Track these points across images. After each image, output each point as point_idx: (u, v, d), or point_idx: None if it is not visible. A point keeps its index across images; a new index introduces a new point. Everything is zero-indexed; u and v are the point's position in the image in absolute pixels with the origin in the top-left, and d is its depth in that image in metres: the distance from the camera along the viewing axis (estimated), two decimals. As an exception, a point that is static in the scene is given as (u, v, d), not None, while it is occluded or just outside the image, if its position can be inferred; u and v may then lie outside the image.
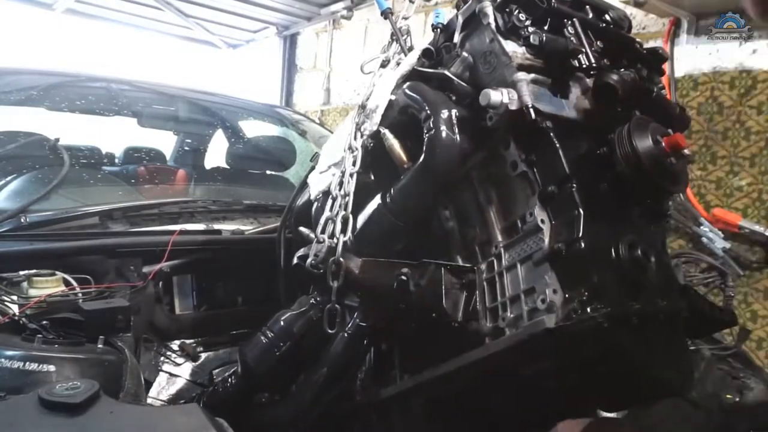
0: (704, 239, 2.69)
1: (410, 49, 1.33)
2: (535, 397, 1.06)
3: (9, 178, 1.77)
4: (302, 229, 1.43)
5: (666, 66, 2.93)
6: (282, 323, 1.28)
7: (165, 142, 2.74)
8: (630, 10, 3.04)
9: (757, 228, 2.56)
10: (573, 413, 1.15)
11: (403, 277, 1.04)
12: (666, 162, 0.94)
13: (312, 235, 1.34)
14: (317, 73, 5.33)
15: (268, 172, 2.66)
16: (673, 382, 0.98)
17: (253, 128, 2.88)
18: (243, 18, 5.40)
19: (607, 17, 1.14)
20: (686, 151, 0.96)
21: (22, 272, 1.32)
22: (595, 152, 0.97)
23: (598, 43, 1.07)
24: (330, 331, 1.11)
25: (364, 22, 4.73)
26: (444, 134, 1.03)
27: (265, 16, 5.36)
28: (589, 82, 1.04)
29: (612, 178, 0.96)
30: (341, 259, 1.11)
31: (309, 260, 1.15)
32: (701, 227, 2.71)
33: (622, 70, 1.04)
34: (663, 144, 0.94)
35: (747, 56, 2.71)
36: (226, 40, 6.08)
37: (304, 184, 1.52)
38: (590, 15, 1.10)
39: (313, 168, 1.52)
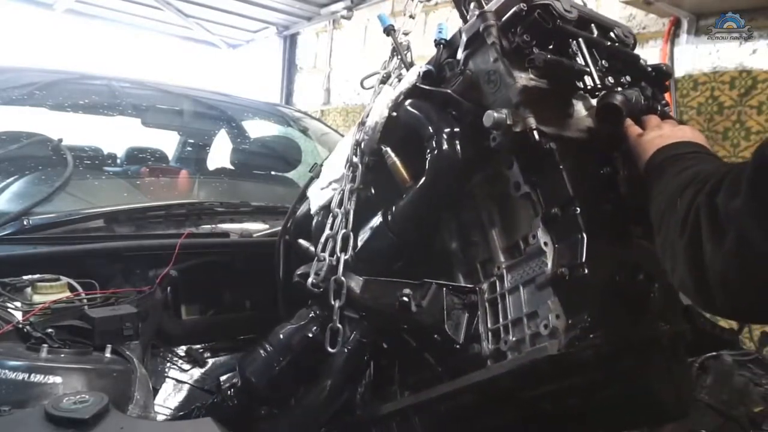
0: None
1: (411, 64, 1.33)
2: (535, 419, 1.05)
3: (11, 180, 1.73)
4: (302, 241, 1.43)
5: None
6: (281, 337, 1.26)
7: (165, 142, 2.69)
8: (630, 10, 3.03)
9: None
10: None
11: (405, 299, 1.05)
12: None
13: (311, 249, 1.36)
14: (317, 73, 5.32)
15: (273, 172, 2.61)
16: (671, 406, 0.98)
17: (257, 127, 2.85)
18: (243, 18, 5.41)
19: (612, 35, 1.12)
20: None
21: (25, 277, 1.28)
22: (599, 172, 0.96)
23: (603, 62, 1.06)
24: (331, 350, 1.11)
25: (364, 22, 4.72)
26: (447, 153, 1.03)
27: (265, 16, 5.36)
28: (592, 101, 1.03)
29: (615, 197, 0.95)
30: (342, 278, 1.11)
31: (310, 279, 1.14)
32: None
33: (627, 88, 1.03)
34: None
35: (747, 56, 2.70)
36: (226, 40, 6.09)
37: (303, 195, 1.52)
38: (595, 33, 1.08)
39: (312, 179, 1.52)
